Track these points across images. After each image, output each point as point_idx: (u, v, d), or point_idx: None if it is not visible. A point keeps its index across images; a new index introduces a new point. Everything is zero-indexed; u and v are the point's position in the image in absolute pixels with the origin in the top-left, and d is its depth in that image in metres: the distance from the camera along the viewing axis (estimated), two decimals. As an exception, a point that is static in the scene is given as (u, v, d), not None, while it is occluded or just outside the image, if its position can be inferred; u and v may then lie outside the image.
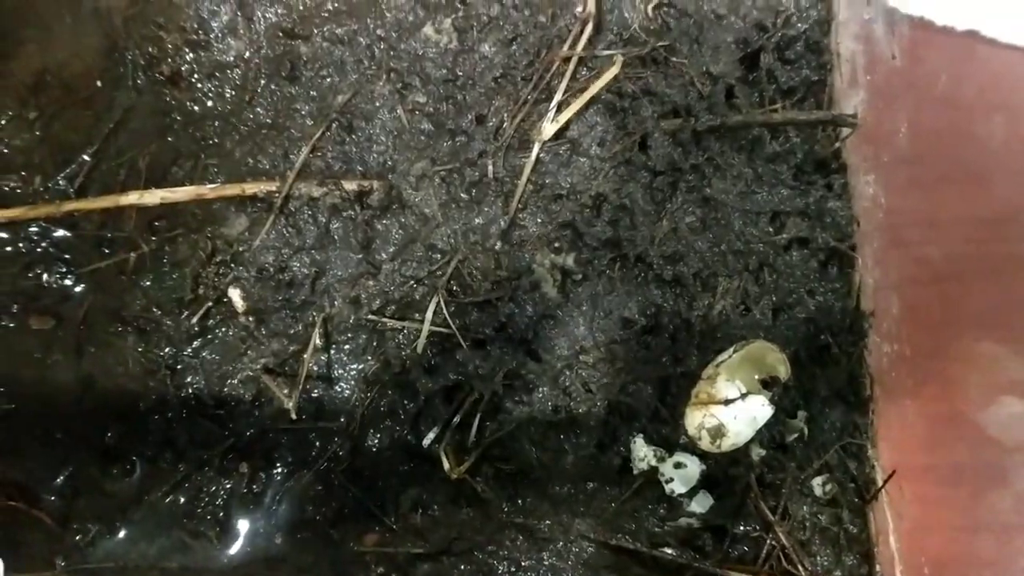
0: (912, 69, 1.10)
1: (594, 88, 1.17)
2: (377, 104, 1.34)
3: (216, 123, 1.36)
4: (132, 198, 1.31)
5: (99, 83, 1.38)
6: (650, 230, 1.28)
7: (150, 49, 1.38)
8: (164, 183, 1.35)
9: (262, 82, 1.36)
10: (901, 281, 1.14)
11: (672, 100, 1.30)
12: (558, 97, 1.23)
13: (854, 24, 1.26)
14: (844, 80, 1.30)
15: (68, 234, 1.35)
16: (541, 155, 1.28)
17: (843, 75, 1.31)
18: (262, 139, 1.35)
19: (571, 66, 1.24)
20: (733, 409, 1.16)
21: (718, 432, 1.17)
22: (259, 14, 1.37)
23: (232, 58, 1.37)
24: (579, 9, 1.27)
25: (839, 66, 1.31)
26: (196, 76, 1.37)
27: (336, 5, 1.37)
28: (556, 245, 1.30)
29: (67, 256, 1.35)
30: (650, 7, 1.33)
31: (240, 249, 1.32)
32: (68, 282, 1.34)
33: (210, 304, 1.31)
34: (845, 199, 1.29)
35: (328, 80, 1.35)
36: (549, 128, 1.18)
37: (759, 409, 1.17)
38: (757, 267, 1.29)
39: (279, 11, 1.37)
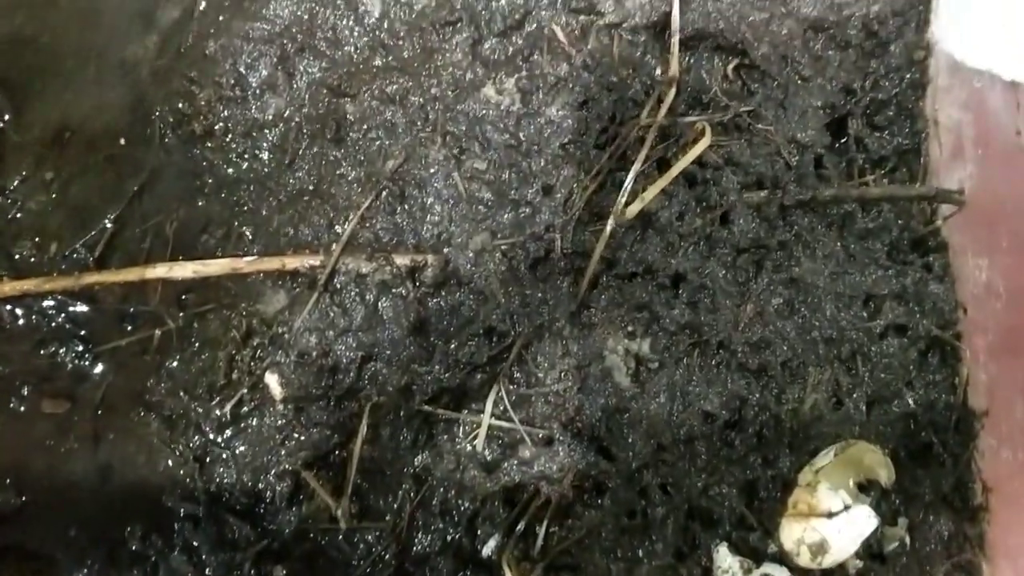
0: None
1: (683, 162, 1.05)
2: (432, 170, 1.22)
3: (252, 187, 1.25)
4: (160, 271, 1.19)
5: (123, 141, 1.27)
6: (733, 313, 1.16)
7: (180, 105, 1.27)
8: (193, 252, 1.23)
9: (304, 143, 1.24)
10: (1028, 383, 1.02)
11: (757, 171, 1.19)
12: (636, 167, 1.11)
13: (959, 91, 1.15)
14: (944, 151, 1.19)
15: (86, 308, 1.23)
16: (614, 229, 1.16)
17: (942, 145, 1.20)
18: (303, 206, 1.23)
19: (651, 134, 1.12)
20: (837, 522, 1.04)
21: (820, 548, 1.04)
22: (301, 69, 1.26)
23: (271, 116, 1.25)
24: (659, 72, 1.16)
25: (937, 135, 1.21)
26: (230, 135, 1.25)
27: (386, 61, 1.25)
28: (630, 329, 1.18)
29: (84, 332, 1.23)
30: (730, 68, 1.22)
31: (279, 331, 1.19)
32: (85, 361, 1.22)
33: (244, 391, 1.18)
34: (947, 282, 1.18)
35: (377, 143, 1.23)
36: (634, 206, 1.06)
37: (865, 521, 1.04)
38: (849, 356, 1.17)
39: (323, 66, 1.26)
